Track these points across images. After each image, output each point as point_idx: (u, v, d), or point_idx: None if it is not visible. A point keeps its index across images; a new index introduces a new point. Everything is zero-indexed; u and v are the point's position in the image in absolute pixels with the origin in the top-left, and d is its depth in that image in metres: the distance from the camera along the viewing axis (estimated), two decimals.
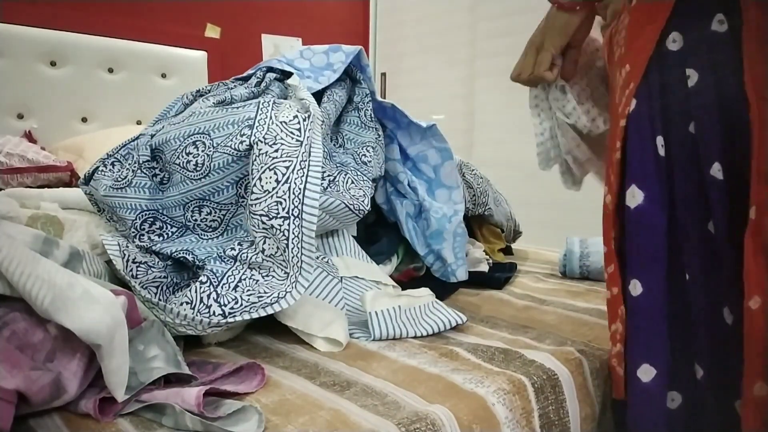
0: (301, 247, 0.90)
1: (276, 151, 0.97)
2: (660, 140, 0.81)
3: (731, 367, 0.77)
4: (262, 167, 0.96)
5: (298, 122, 1.02)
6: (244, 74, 1.33)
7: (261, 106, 1.06)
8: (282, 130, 1.00)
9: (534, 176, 2.70)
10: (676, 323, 0.83)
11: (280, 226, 0.91)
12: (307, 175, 0.94)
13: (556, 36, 0.99)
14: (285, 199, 0.92)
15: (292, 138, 0.99)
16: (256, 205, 0.94)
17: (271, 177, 0.94)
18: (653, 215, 0.82)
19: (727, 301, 0.78)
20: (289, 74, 1.30)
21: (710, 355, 0.79)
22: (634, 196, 0.83)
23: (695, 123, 0.78)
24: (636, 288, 0.84)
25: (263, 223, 0.93)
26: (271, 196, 0.93)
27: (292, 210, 0.91)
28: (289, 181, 0.93)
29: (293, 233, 0.91)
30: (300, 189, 0.92)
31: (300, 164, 0.96)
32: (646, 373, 0.83)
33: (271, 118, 1.03)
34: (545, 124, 1.07)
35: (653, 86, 0.81)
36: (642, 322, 0.83)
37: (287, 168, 0.95)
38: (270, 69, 1.30)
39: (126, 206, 1.03)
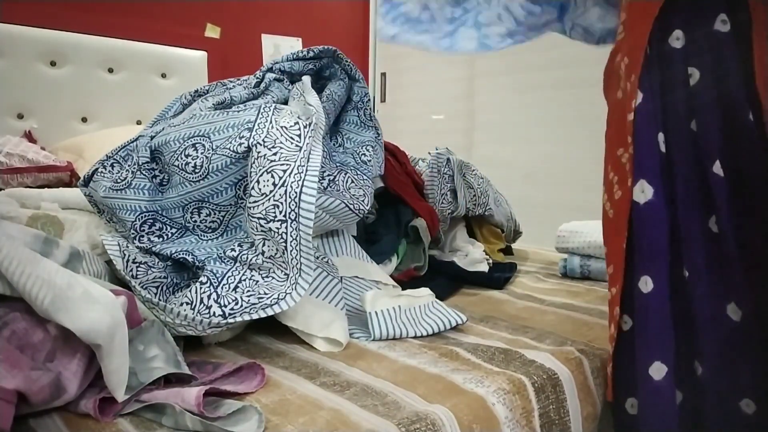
0: (300, 249, 0.90)
1: (274, 154, 0.97)
2: (661, 137, 0.81)
3: (735, 365, 0.76)
4: (260, 170, 0.96)
5: (299, 129, 1.02)
6: (244, 77, 1.33)
7: (262, 110, 1.06)
8: (282, 135, 1.00)
9: (534, 176, 2.71)
10: (675, 320, 0.82)
11: (278, 229, 0.91)
12: (304, 179, 0.94)
13: None
14: (282, 203, 0.92)
15: (292, 143, 0.99)
16: (254, 207, 0.94)
17: (268, 180, 0.94)
18: (661, 210, 0.81)
19: (734, 297, 0.77)
20: (288, 74, 1.30)
21: (713, 353, 0.79)
22: (644, 191, 0.82)
23: (696, 121, 0.78)
24: (647, 285, 0.82)
25: (261, 226, 0.93)
26: (269, 199, 0.93)
27: (289, 213, 0.91)
28: (285, 184, 0.93)
29: (291, 236, 0.91)
30: (296, 192, 0.92)
31: (297, 168, 0.95)
32: (658, 370, 0.81)
33: (271, 122, 1.03)
34: None
35: (655, 82, 0.81)
36: (654, 318, 0.82)
37: (284, 171, 0.95)
38: (269, 69, 1.30)
39: (125, 207, 1.03)
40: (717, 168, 0.76)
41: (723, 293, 0.78)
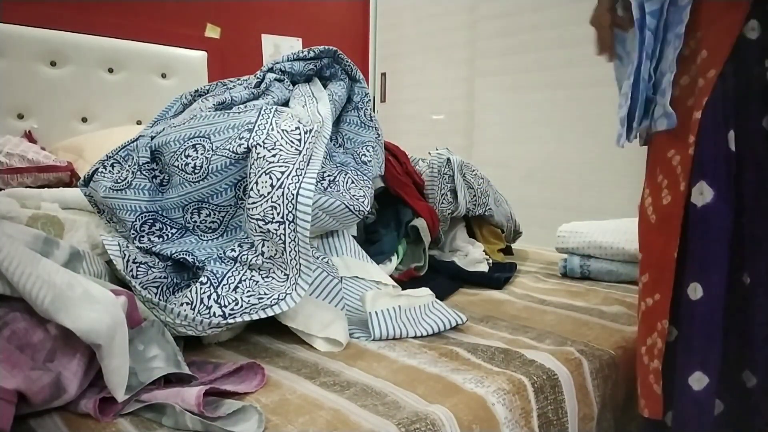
0: (299, 251, 0.90)
1: (274, 156, 0.97)
2: (731, 135, 0.76)
3: None
4: (259, 171, 0.96)
5: (299, 134, 1.02)
6: (245, 77, 1.33)
7: (262, 111, 1.06)
8: (282, 137, 1.00)
9: (533, 176, 2.71)
10: (728, 329, 0.78)
11: (276, 230, 0.91)
12: (301, 182, 0.94)
13: None
14: (279, 204, 0.92)
15: (291, 146, 1.00)
16: (253, 209, 0.94)
17: (266, 181, 0.95)
18: (722, 215, 0.76)
19: None
20: (288, 74, 1.30)
21: (766, 363, 0.75)
22: (703, 194, 0.77)
23: None
24: (696, 292, 0.78)
25: (260, 227, 0.93)
26: (267, 201, 0.93)
27: (287, 215, 0.91)
28: (283, 186, 0.94)
29: (289, 237, 0.91)
30: (293, 195, 0.92)
31: (296, 171, 0.96)
32: (698, 381, 0.78)
33: (271, 124, 1.03)
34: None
35: (727, 76, 0.76)
36: (700, 328, 0.78)
37: (282, 173, 0.95)
38: (270, 69, 1.31)
39: (126, 208, 1.03)
40: None
41: None
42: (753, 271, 0.77)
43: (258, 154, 0.98)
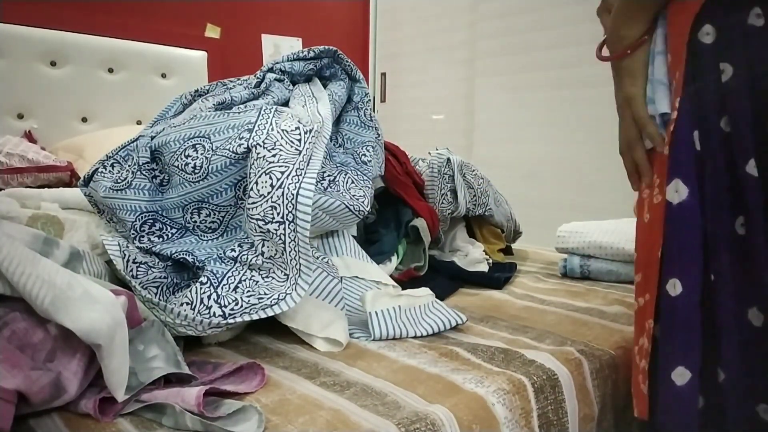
0: (298, 251, 0.90)
1: (274, 156, 0.97)
2: (696, 134, 0.78)
3: (756, 371, 0.75)
4: (258, 171, 0.96)
5: (299, 134, 1.02)
6: (245, 77, 1.33)
7: (262, 111, 1.06)
8: (282, 137, 1.00)
9: (533, 176, 2.71)
10: (702, 326, 0.79)
11: (276, 230, 0.91)
12: (301, 182, 0.94)
13: (638, 77, 0.87)
14: (279, 204, 0.92)
15: (291, 146, 1.00)
16: (252, 209, 0.94)
17: (266, 181, 0.95)
18: (696, 211, 0.78)
19: (757, 302, 0.76)
20: (288, 74, 1.30)
21: (734, 359, 0.77)
22: (678, 191, 0.79)
23: (729, 119, 0.76)
24: (675, 288, 0.79)
25: (260, 227, 0.93)
26: (267, 201, 0.93)
27: (287, 215, 0.92)
28: (282, 186, 0.94)
29: (289, 237, 0.91)
30: (293, 195, 0.92)
31: (296, 171, 0.96)
32: (681, 376, 0.79)
33: (272, 124, 1.03)
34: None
35: (688, 78, 0.78)
36: (680, 322, 0.79)
37: (282, 173, 0.95)
38: (270, 69, 1.31)
39: (126, 208, 1.03)
40: (751, 167, 0.73)
41: (745, 297, 0.76)
42: (715, 269, 0.79)
43: (258, 154, 0.98)
